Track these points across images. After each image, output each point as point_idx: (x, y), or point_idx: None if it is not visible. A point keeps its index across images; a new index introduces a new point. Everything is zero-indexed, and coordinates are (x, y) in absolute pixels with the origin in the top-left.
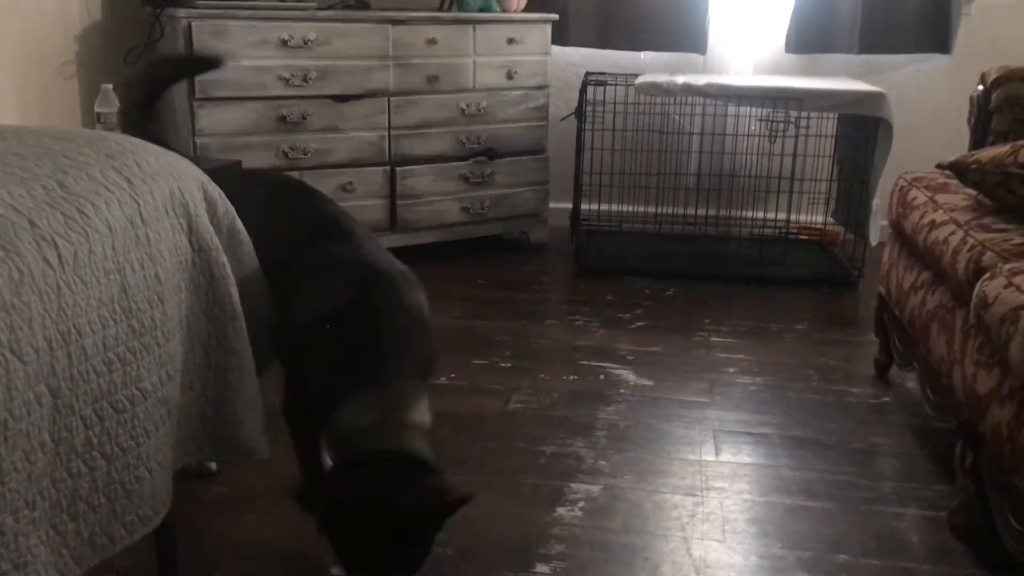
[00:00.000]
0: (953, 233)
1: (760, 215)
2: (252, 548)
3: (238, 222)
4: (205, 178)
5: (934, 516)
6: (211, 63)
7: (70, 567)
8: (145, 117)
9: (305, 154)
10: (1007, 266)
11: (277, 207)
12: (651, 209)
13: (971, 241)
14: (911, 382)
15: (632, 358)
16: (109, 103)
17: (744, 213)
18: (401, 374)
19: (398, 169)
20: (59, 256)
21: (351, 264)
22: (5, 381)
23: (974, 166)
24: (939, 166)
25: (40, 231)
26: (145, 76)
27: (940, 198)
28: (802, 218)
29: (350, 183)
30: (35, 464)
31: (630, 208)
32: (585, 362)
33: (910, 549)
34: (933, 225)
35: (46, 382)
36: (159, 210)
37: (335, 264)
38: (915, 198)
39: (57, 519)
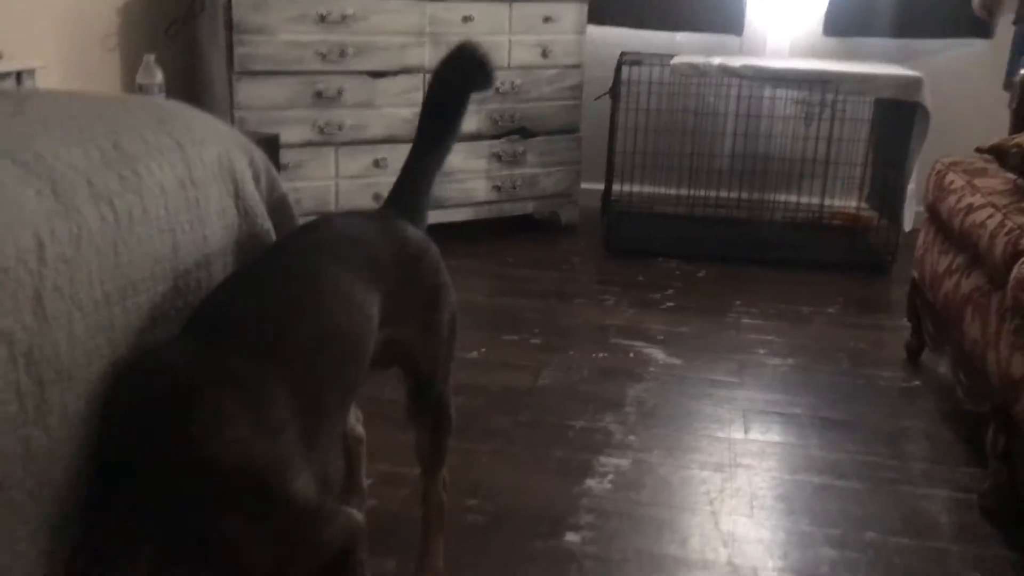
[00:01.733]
0: (991, 216)
1: (793, 199)
2: None
3: (281, 187)
4: (251, 146)
5: (964, 498)
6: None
7: None
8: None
9: (340, 129)
10: None
11: None
12: (683, 191)
13: (1010, 224)
14: (943, 367)
15: (662, 337)
16: (151, 74)
17: (777, 196)
18: None
19: None
20: (115, 214)
21: None
22: (68, 330)
23: (1015, 150)
24: (979, 150)
25: (97, 190)
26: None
27: (978, 182)
28: (835, 202)
29: (383, 159)
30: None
31: (662, 190)
32: (615, 340)
33: (939, 529)
34: (970, 208)
35: (105, 334)
36: (208, 174)
37: None
38: (952, 182)
39: None
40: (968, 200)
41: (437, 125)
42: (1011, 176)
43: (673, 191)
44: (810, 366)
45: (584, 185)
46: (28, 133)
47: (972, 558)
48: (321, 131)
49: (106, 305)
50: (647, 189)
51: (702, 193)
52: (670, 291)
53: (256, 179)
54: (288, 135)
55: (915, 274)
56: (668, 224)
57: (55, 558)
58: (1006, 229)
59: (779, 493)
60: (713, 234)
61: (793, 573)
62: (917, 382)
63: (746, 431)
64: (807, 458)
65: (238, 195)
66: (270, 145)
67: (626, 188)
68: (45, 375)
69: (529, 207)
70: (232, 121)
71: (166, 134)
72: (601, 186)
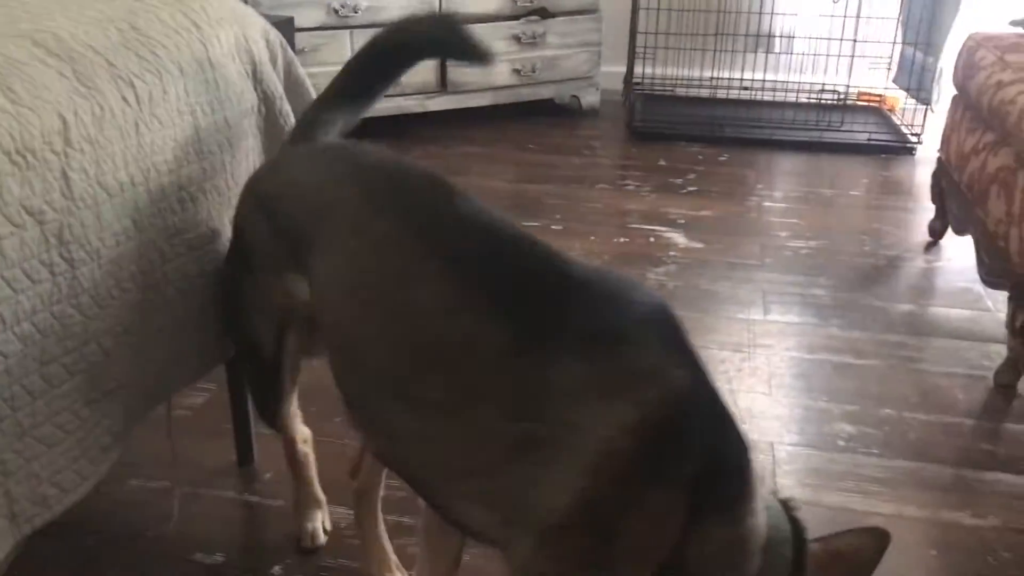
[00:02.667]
0: (1021, 93)
1: (818, 80)
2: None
3: (298, 68)
4: (267, 25)
5: (980, 375)
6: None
7: (159, 391)
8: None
9: (355, 12)
10: None
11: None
12: (706, 73)
13: None
14: (965, 248)
15: (683, 222)
16: None
17: (802, 78)
18: None
19: None
20: (136, 95)
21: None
22: (95, 212)
23: None
24: (1013, 23)
25: (117, 71)
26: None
27: (1009, 57)
28: (862, 83)
29: None
30: (128, 293)
31: (685, 72)
32: (635, 225)
33: (954, 405)
34: (1000, 85)
35: (131, 216)
36: (226, 55)
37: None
38: (983, 58)
39: (143, 345)
40: (999, 76)
41: (376, 79)
42: None
43: (696, 73)
44: (832, 248)
45: (605, 68)
46: (45, 14)
47: (985, 431)
48: (336, 13)
49: (131, 187)
50: (670, 71)
51: (726, 75)
52: (692, 175)
53: (273, 60)
54: (302, 18)
55: (941, 154)
56: (691, 107)
57: (97, 430)
58: None
59: (797, 372)
60: (736, 116)
61: (809, 447)
62: (939, 264)
63: (766, 312)
64: (826, 338)
65: (256, 77)
66: (285, 28)
67: (648, 71)
68: (76, 255)
69: (550, 91)
70: (245, 2)
71: (182, 14)
72: (623, 69)
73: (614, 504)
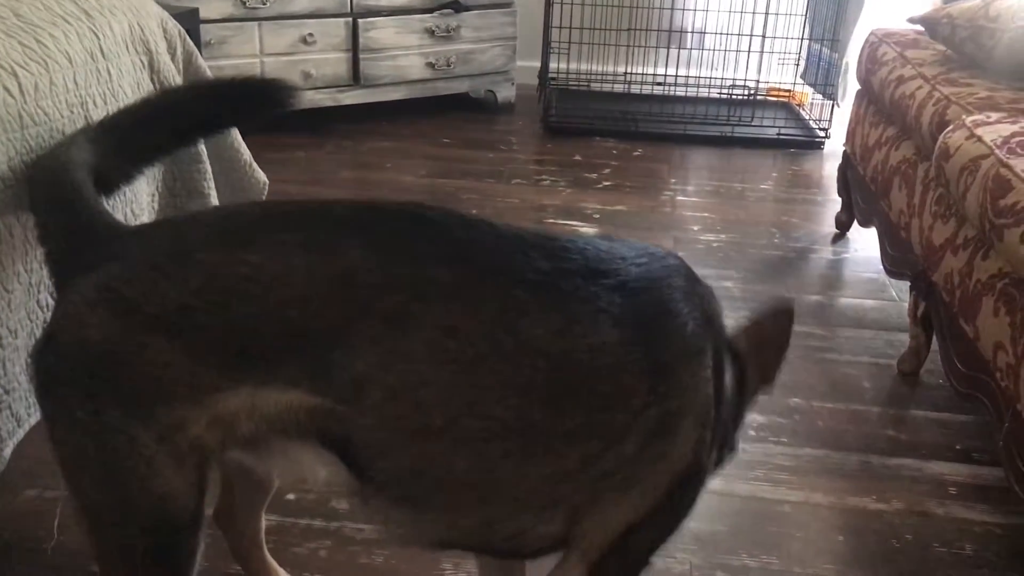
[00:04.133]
0: (920, 87)
1: (730, 75)
2: None
3: (199, 60)
4: (164, 14)
5: (886, 364)
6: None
7: None
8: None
9: (264, 3)
10: (970, 119)
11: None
12: (620, 68)
13: (937, 95)
14: (870, 240)
15: (598, 216)
16: None
17: (714, 73)
18: None
19: (360, 20)
20: (19, 85)
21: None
22: None
23: (945, 20)
24: (911, 20)
25: None
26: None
27: (909, 53)
28: (772, 79)
29: (310, 35)
30: (12, 293)
31: (599, 67)
32: (551, 220)
33: (861, 393)
34: (901, 80)
35: (14, 213)
36: (119, 45)
37: None
38: (885, 54)
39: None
40: (899, 72)
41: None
42: (941, 47)
43: (610, 68)
44: (742, 241)
45: (520, 63)
46: None
47: (890, 418)
48: (244, 5)
49: (14, 181)
50: (584, 66)
51: (639, 70)
52: (607, 170)
53: (171, 51)
54: (208, 10)
55: (846, 147)
56: (605, 102)
57: None
58: (934, 100)
59: None
60: (650, 111)
61: None
62: (846, 255)
63: None
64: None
65: (152, 67)
66: (189, 19)
67: (563, 66)
68: None
69: (464, 85)
70: None
71: (71, 2)
72: (538, 63)
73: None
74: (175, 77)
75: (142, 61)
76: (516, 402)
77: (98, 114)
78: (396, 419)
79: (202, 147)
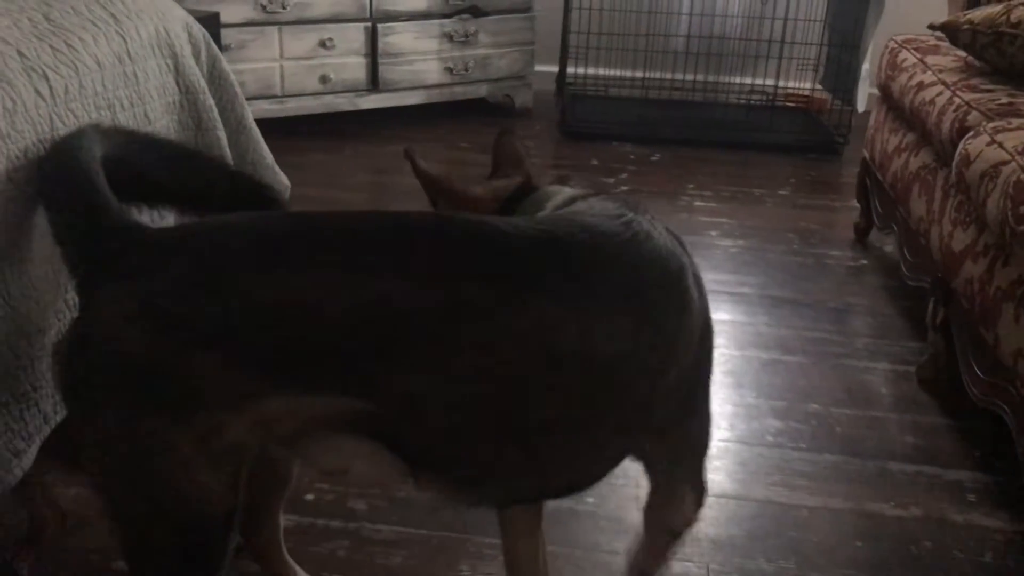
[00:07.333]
0: (940, 94)
1: (748, 81)
2: None
3: (222, 63)
4: (189, 18)
5: (904, 370)
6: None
7: None
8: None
9: (284, 8)
10: (991, 124)
11: None
12: (638, 73)
13: (957, 101)
14: (889, 246)
15: None
16: None
17: (732, 79)
18: None
19: (380, 25)
20: (50, 88)
21: None
22: (6, 208)
23: (966, 26)
24: (931, 26)
25: (30, 62)
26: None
27: (929, 60)
28: (790, 84)
29: (330, 39)
30: (41, 292)
31: (617, 72)
32: None
33: (879, 400)
34: (921, 86)
35: (43, 213)
36: (146, 48)
37: None
38: (904, 60)
39: None
40: (919, 78)
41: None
42: (961, 54)
43: (628, 73)
44: (760, 247)
45: (538, 67)
46: None
47: (908, 425)
48: (264, 9)
49: None
50: (602, 71)
51: (657, 75)
52: (624, 175)
53: (196, 54)
54: (229, 14)
55: (866, 154)
56: (623, 107)
57: (8, 435)
58: (954, 106)
59: (727, 368)
60: (668, 117)
61: (739, 443)
62: (864, 261)
63: None
64: (755, 335)
65: (178, 71)
66: (210, 23)
67: (581, 70)
68: None
69: (482, 90)
70: None
71: (100, 6)
72: (555, 68)
73: None
74: (199, 80)
75: (168, 64)
76: (559, 400)
77: (125, 117)
78: (446, 427)
79: (226, 149)
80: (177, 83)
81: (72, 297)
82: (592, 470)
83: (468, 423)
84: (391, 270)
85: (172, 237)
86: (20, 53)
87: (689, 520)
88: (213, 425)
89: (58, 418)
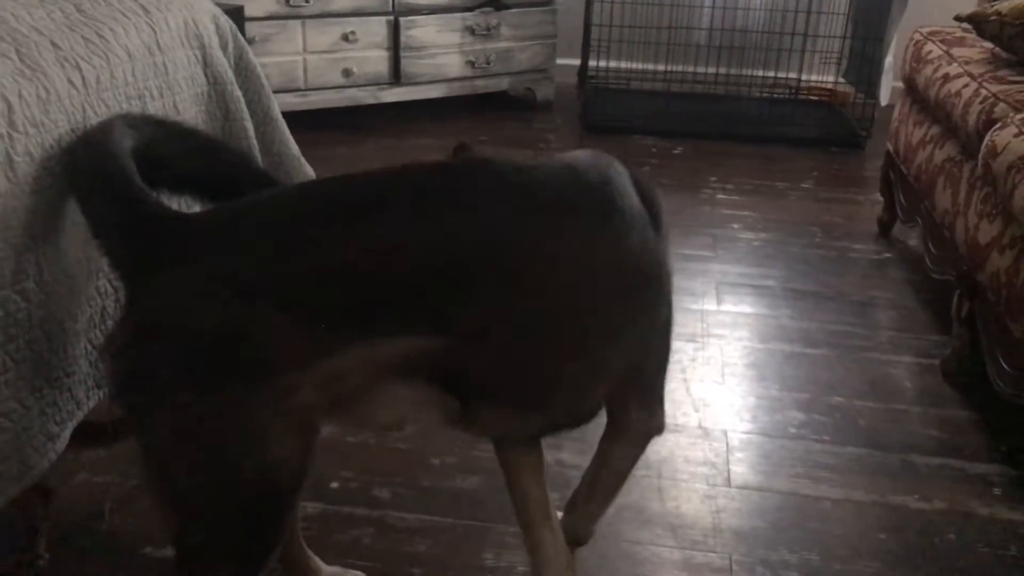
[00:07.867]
0: (966, 86)
1: (771, 74)
2: None
3: (249, 55)
4: (216, 10)
5: (928, 363)
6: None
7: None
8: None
9: (307, 1)
10: (1018, 116)
11: None
12: (660, 67)
13: (984, 93)
14: (913, 239)
15: None
16: None
17: (754, 72)
18: None
19: (402, 19)
20: (83, 78)
21: None
22: (40, 196)
23: (993, 18)
24: (957, 18)
25: (63, 52)
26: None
27: (955, 51)
28: (813, 77)
29: (352, 33)
30: (74, 279)
31: (639, 65)
32: None
33: (902, 393)
34: (946, 78)
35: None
36: (175, 39)
37: None
38: (930, 52)
39: (91, 334)
40: (945, 70)
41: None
42: (988, 45)
43: (651, 66)
44: (783, 240)
45: (560, 61)
46: None
47: (932, 418)
48: (287, 3)
49: None
50: (624, 64)
51: (679, 68)
52: (646, 168)
53: (223, 46)
54: (253, 7)
55: (890, 147)
56: (645, 100)
57: (42, 419)
58: (980, 98)
59: (750, 361)
60: (690, 110)
61: (762, 435)
62: (888, 254)
63: (719, 303)
64: (778, 328)
65: (206, 62)
66: (234, 17)
67: (603, 64)
68: (19, 240)
69: (504, 83)
70: None
71: None
72: (577, 61)
73: None
74: (227, 71)
75: (196, 55)
76: (611, 314)
77: (155, 107)
78: (511, 355)
79: (253, 140)
80: (205, 74)
81: (103, 284)
82: (599, 398)
83: (532, 348)
84: (456, 210)
85: (218, 217)
86: (53, 43)
87: (648, 432)
88: (286, 387)
89: (91, 404)
